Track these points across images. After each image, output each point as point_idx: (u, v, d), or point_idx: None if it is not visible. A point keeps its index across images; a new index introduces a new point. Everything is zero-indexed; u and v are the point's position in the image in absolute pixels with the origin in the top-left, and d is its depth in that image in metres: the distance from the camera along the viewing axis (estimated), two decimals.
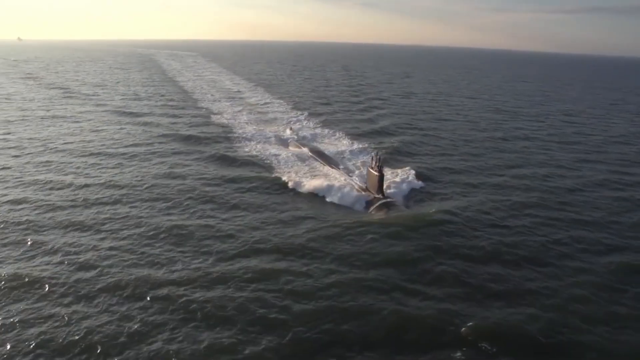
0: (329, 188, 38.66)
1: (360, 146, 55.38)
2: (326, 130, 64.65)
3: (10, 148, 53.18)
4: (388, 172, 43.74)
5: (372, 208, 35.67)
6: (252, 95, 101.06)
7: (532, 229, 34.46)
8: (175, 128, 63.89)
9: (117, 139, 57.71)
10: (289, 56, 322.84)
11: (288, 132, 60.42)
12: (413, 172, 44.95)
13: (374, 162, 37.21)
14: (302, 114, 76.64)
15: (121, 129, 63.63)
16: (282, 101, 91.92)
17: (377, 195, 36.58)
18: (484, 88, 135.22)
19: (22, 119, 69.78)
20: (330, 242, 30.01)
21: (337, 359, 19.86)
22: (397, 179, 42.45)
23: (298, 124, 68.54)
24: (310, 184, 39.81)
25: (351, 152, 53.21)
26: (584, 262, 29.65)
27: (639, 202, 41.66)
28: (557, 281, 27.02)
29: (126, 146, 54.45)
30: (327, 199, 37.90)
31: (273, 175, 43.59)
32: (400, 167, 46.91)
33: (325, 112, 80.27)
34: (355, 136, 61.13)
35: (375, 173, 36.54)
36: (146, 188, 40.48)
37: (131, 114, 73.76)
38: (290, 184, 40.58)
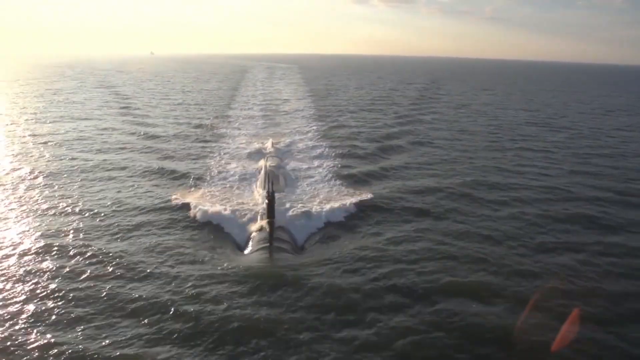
0: (214, 210, 33.83)
1: (332, 165, 49.54)
2: (319, 145, 59.53)
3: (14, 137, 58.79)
4: (340, 198, 37.85)
5: (249, 238, 30.16)
6: (292, 104, 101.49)
7: (413, 262, 27.51)
8: (158, 136, 64.03)
9: (101, 139, 62.21)
10: (388, 69, 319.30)
11: (268, 145, 56.37)
12: (361, 197, 37.89)
13: (266, 185, 31.75)
14: (313, 125, 73.55)
15: (116, 131, 67.88)
16: (313, 111, 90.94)
17: (262, 224, 30.67)
18: (559, 103, 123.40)
19: (59, 119, 77.07)
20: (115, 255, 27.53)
21: None
22: (325, 209, 35.04)
23: (288, 137, 65.02)
24: (196, 202, 35.59)
25: (321, 172, 46.89)
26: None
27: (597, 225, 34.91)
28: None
29: (98, 144, 58.86)
30: (207, 221, 32.84)
31: (181, 190, 39.58)
32: (353, 192, 39.89)
33: (343, 125, 75.20)
34: (343, 152, 55.20)
35: (266, 200, 31.18)
36: (65, 176, 43.32)
37: (143, 123, 74.87)
38: (175, 200, 36.46)
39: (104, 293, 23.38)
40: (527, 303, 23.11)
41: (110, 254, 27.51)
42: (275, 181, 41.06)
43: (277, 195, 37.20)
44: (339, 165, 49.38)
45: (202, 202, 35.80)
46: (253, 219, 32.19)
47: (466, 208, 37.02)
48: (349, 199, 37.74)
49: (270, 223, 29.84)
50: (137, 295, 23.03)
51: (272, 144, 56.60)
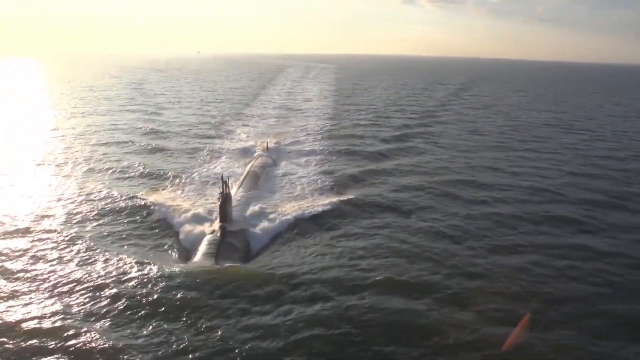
0: (177, 208, 33.77)
1: (324, 165, 48.57)
2: (319, 145, 58.30)
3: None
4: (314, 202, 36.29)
5: (201, 239, 29.20)
6: (312, 103, 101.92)
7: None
8: (162, 132, 65.74)
9: (110, 133, 64.67)
10: (429, 70, 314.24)
11: (264, 144, 55.35)
12: (339, 197, 37.07)
13: (221, 187, 30.25)
14: (323, 125, 73.00)
15: (127, 126, 70.16)
16: (330, 110, 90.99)
17: (214, 227, 29.95)
18: (593, 105, 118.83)
19: (82, 114, 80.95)
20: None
21: None
22: (294, 210, 34.05)
23: (292, 136, 64.39)
24: (163, 199, 35.84)
25: (310, 172, 45.69)
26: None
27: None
28: None
29: (105, 138, 61.37)
30: (165, 218, 32.98)
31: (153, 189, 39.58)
32: (333, 192, 39.10)
33: (354, 125, 73.97)
34: (341, 152, 54.24)
35: (219, 202, 30.10)
36: (65, 166, 46.21)
37: (155, 120, 76.22)
38: (145, 195, 37.01)
39: (45, 272, 24.83)
40: (459, 304, 22.70)
41: (68, 238, 28.99)
42: (253, 181, 40.97)
43: (249, 194, 37.56)
44: (332, 166, 48.63)
45: (170, 198, 36.24)
46: (212, 220, 31.74)
47: (439, 206, 36.45)
48: (325, 199, 37.01)
49: (222, 227, 29.30)
50: (73, 277, 24.12)
51: (268, 143, 56.00)
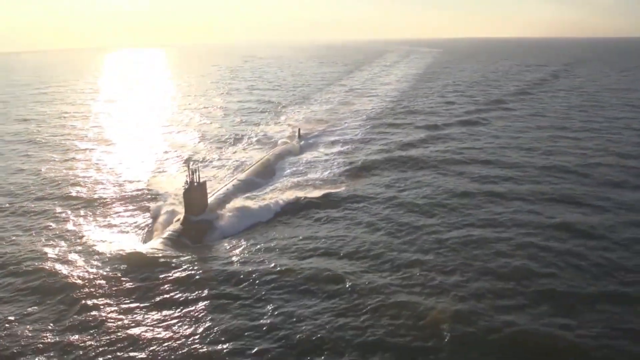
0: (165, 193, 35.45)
1: (351, 153, 46.93)
2: (359, 132, 57.09)
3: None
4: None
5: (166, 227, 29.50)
6: (386, 87, 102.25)
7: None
8: (213, 116, 71.53)
9: (175, 117, 72.83)
10: (535, 52, 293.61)
11: (295, 133, 55.37)
12: (341, 187, 36.22)
13: (188, 176, 29.21)
14: (380, 109, 72.66)
15: (192, 110, 77.72)
16: (398, 94, 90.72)
17: (179, 217, 29.86)
18: None
19: (162, 99, 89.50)
20: None
21: None
22: (282, 199, 33.43)
23: (341, 121, 64.04)
24: (159, 182, 38.20)
25: (331, 162, 44.24)
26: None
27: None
28: None
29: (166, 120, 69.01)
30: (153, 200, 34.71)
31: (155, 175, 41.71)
32: (340, 182, 38.22)
33: (413, 110, 72.05)
34: (377, 138, 53.36)
35: (182, 188, 29.41)
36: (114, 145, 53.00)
37: (212, 105, 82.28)
38: (152, 177, 39.93)
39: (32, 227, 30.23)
40: (384, 275, 23.23)
41: (69, 203, 34.72)
42: (262, 168, 40.74)
43: (251, 180, 37.60)
44: (356, 153, 47.24)
45: (170, 183, 37.65)
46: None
47: (440, 184, 36.44)
48: (326, 184, 36.67)
49: (185, 217, 29.05)
50: (52, 234, 29.19)
51: (300, 130, 55.48)
